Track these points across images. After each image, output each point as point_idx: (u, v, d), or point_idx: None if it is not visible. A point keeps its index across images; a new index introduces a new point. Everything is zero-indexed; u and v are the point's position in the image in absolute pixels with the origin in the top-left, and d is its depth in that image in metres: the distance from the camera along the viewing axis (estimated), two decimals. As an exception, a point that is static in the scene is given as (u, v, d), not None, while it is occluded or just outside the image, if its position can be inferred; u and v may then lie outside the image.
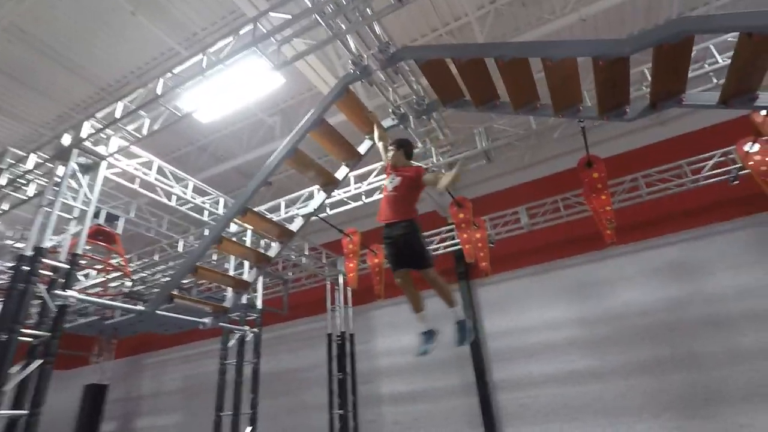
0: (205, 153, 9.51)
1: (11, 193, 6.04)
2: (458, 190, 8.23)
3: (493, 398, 8.62)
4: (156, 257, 8.45)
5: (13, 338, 4.04)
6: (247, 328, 6.49)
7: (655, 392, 7.53)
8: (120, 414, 13.19)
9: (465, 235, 6.61)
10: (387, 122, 5.50)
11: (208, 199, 6.76)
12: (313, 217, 5.74)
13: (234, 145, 9.23)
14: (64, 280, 4.58)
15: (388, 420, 9.51)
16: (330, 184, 5.60)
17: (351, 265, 7.37)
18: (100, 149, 5.27)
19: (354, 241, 7.44)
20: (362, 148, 5.49)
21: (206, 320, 5.89)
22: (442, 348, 9.39)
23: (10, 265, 7.88)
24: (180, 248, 8.28)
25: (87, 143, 5.15)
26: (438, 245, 9.39)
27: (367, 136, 5.37)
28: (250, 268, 5.64)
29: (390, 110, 5.51)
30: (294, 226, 5.68)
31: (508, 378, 8.70)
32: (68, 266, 4.60)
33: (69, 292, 4.44)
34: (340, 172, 5.52)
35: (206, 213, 6.89)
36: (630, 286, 8.31)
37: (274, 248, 5.62)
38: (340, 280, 9.62)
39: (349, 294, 9.79)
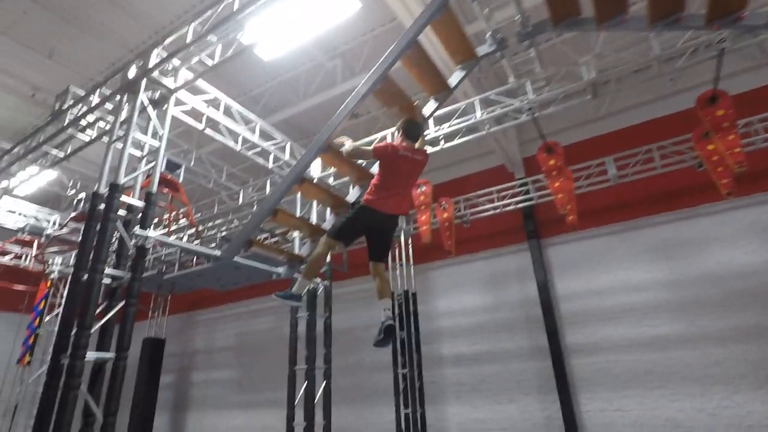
0: (258, 105, 9.04)
1: (75, 135, 5.73)
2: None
3: (567, 362, 8.11)
4: (215, 210, 8.18)
5: (96, 278, 3.74)
6: (318, 280, 6.13)
7: (757, 361, 6.81)
8: (177, 367, 13.50)
9: (557, 184, 5.92)
10: (483, 48, 4.80)
11: (274, 144, 6.29)
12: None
13: (289, 94, 8.69)
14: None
15: (451, 381, 9.18)
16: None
17: (423, 217, 6.85)
18: (168, 82, 4.82)
19: (426, 192, 6.88)
20: (453, 80, 4.87)
21: (280, 270, 5.55)
22: (507, 309, 8.94)
23: (74, 214, 7.78)
24: (241, 199, 7.96)
25: (155, 75, 4.70)
26: (506, 202, 8.71)
27: (458, 66, 4.76)
28: (331, 213, 5.19)
29: (488, 35, 4.80)
30: (375, 169, 5.18)
31: (583, 342, 8.13)
32: (144, 205, 4.25)
33: (148, 232, 4.09)
34: (429, 107, 4.94)
35: (271, 159, 6.44)
36: (728, 246, 7.46)
37: (353, 193, 5.16)
38: (402, 236, 9.14)
39: (410, 252, 9.32)
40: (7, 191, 8.09)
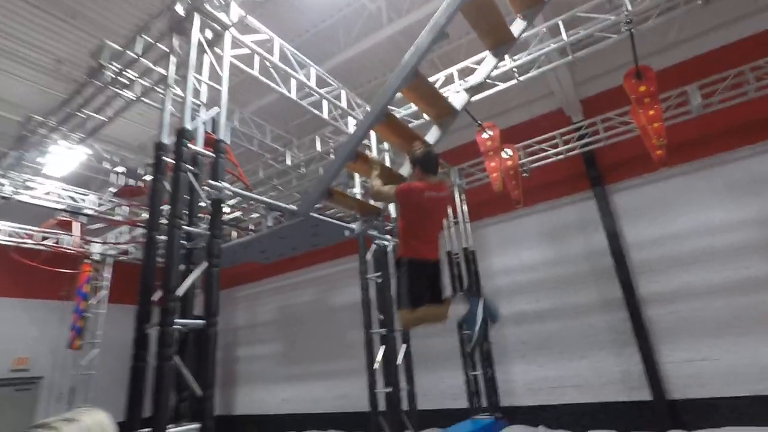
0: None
1: (118, 91, 5.21)
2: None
3: (644, 313, 7.60)
4: (261, 174, 7.68)
5: (176, 234, 3.28)
6: (388, 237, 5.65)
7: None
8: (221, 344, 13.37)
9: (651, 112, 5.26)
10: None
11: (329, 91, 5.71)
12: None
13: (327, 43, 8.00)
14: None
15: (513, 340, 8.77)
16: (504, 42, 4.40)
17: (493, 164, 6.27)
18: (222, 17, 4.24)
19: (493, 137, 6.27)
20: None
21: (353, 226, 5.07)
22: (571, 263, 8.39)
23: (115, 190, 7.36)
24: (288, 160, 7.44)
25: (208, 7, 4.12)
26: (570, 146, 8.06)
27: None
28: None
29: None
30: (457, 102, 4.59)
31: (661, 291, 7.58)
32: (214, 155, 3.75)
33: (223, 184, 3.61)
34: (517, 26, 4.31)
35: (326, 110, 5.88)
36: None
37: (434, 132, 4.59)
38: (455, 192, 8.61)
39: (465, 209, 8.80)
40: (37, 173, 7.73)
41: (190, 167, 3.70)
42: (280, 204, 4.15)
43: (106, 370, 10.53)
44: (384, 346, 5.64)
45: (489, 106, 8.36)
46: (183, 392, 3.33)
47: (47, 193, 8.31)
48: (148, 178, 6.83)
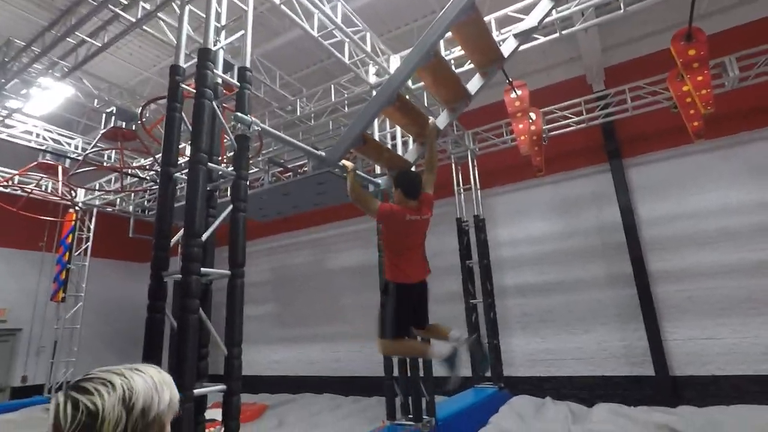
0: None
1: (117, 11, 4.56)
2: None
3: (653, 290, 7.52)
4: (266, 123, 7.13)
5: (200, 171, 2.85)
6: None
7: None
8: (216, 302, 12.98)
9: (699, 78, 4.91)
10: None
11: (354, 32, 5.16)
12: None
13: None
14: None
15: (515, 312, 8.66)
16: None
17: (521, 126, 5.88)
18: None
19: (522, 97, 5.86)
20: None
21: (379, 180, 4.69)
22: (581, 237, 8.21)
23: (104, 130, 6.75)
24: (297, 111, 6.90)
25: None
26: (593, 115, 7.73)
27: None
28: (445, 111, 4.23)
29: None
30: (505, 49, 4.16)
31: (671, 269, 7.48)
32: (238, 84, 3.26)
33: (251, 118, 3.15)
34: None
35: (347, 54, 5.35)
36: None
37: (475, 82, 4.18)
38: (469, 158, 8.24)
39: (477, 175, 8.46)
40: (16, 111, 7.02)
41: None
42: (310, 148, 3.69)
43: (88, 325, 10.11)
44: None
45: (507, 68, 7.92)
46: (202, 349, 2.98)
47: (27, 133, 7.61)
48: (141, 120, 6.25)
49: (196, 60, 3.21)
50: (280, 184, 8.25)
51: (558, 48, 8.19)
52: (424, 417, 5.04)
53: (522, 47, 4.29)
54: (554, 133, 7.91)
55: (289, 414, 7.91)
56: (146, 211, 10.73)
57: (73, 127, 10.29)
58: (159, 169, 7.26)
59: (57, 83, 6.42)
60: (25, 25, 7.40)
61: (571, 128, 7.93)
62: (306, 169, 8.88)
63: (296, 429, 6.89)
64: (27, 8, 7.57)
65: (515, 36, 4.15)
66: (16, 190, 8.42)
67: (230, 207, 3.06)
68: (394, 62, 5.88)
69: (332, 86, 6.57)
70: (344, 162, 3.88)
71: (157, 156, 7.57)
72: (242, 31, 3.45)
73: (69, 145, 8.04)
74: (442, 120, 4.23)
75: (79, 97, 7.46)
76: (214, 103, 3.04)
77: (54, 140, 7.92)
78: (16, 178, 8.41)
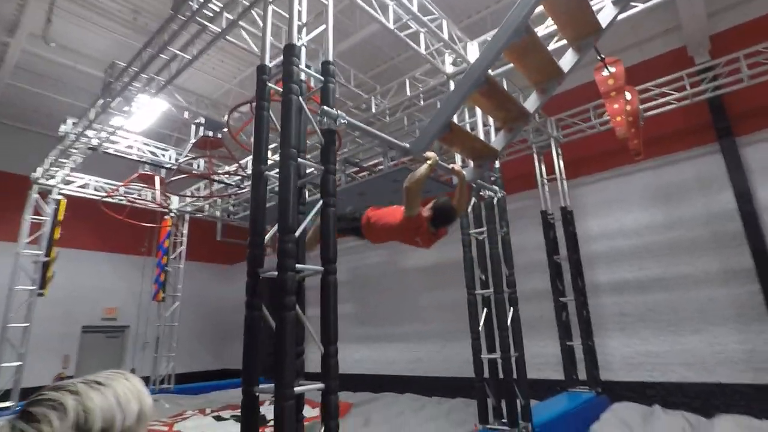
0: None
1: (203, 22, 4.78)
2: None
3: (780, 286, 6.51)
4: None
5: (292, 166, 2.83)
6: (496, 188, 4.98)
7: None
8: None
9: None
10: None
11: (431, 20, 4.98)
12: None
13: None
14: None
15: (611, 311, 7.95)
16: None
17: (616, 106, 5.34)
18: None
19: (617, 74, 5.32)
20: None
21: (465, 171, 4.45)
22: (686, 227, 7.31)
23: (195, 140, 7.16)
24: (372, 108, 6.87)
25: None
26: (696, 90, 6.88)
27: None
28: (534, 93, 3.91)
29: None
30: (603, 19, 3.75)
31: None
32: (322, 78, 3.22)
33: (338, 111, 3.09)
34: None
35: (423, 44, 5.18)
36: None
37: (568, 57, 3.81)
38: (552, 146, 7.71)
39: (562, 164, 7.90)
40: (119, 127, 7.68)
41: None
42: (394, 140, 3.57)
43: (184, 323, 10.90)
44: (486, 309, 5.08)
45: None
46: (298, 347, 2.96)
47: (129, 147, 8.33)
48: (227, 128, 6.54)
49: (280, 59, 3.22)
50: (355, 183, 8.30)
51: (652, 19, 7.41)
52: (520, 422, 4.71)
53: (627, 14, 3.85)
54: (652, 112, 7.16)
55: (374, 413, 7.89)
56: (231, 216, 11.35)
57: (166, 140, 11.17)
58: (244, 174, 7.57)
59: (153, 99, 6.93)
60: (127, 48, 8.11)
61: (672, 106, 7.12)
62: (381, 167, 8.87)
63: (383, 428, 6.83)
64: (126, 34, 8.31)
65: (614, 3, 3.73)
66: (122, 199, 9.28)
67: (320, 202, 3.01)
68: (472, 50, 5.60)
69: (407, 81, 6.43)
70: (428, 153, 3.73)
71: (241, 161, 7.95)
72: (323, 26, 3.41)
73: (164, 156, 8.67)
74: (531, 103, 3.91)
75: (172, 111, 8.01)
76: (300, 98, 3.02)
77: (151, 153, 8.59)
78: (122, 189, 9.26)
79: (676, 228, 7.55)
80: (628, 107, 6.00)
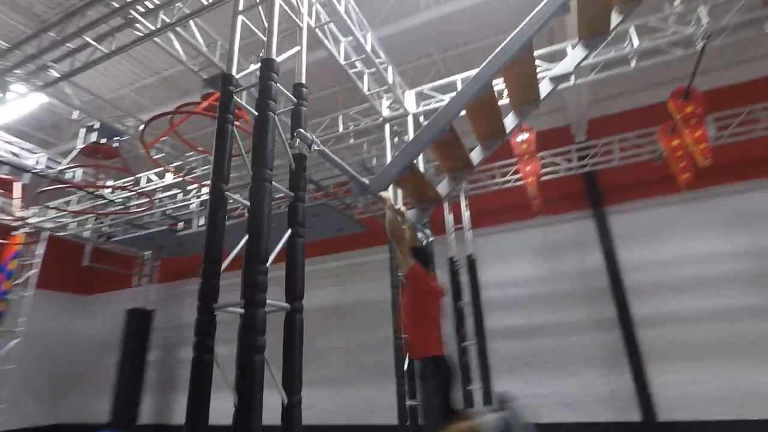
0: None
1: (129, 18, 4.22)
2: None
3: (637, 334, 7.71)
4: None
5: (266, 190, 2.55)
6: (428, 231, 5.11)
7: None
8: (163, 343, 11.81)
9: (697, 133, 5.29)
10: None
11: (382, 63, 5.11)
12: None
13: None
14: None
15: (500, 354, 8.52)
16: (600, 33, 4.16)
17: (528, 168, 6.00)
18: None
19: (530, 140, 6.03)
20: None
21: (409, 213, 4.49)
22: (563, 281, 8.38)
23: (83, 146, 6.14)
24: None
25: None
26: (580, 163, 8.10)
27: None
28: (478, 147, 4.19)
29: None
30: (542, 91, 4.24)
31: (651, 314, 7.74)
32: (295, 100, 3.04)
33: (312, 136, 2.92)
34: (613, 19, 4.13)
35: (366, 83, 5.27)
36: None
37: (510, 119, 4.21)
38: (462, 198, 8.28)
39: (468, 215, 8.49)
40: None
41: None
42: (355, 174, 3.47)
43: (27, 364, 8.80)
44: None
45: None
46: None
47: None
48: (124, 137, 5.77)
49: (247, 71, 2.96)
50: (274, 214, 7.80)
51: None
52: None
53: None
54: (544, 178, 8.18)
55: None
56: (104, 238, 9.75)
57: (27, 139, 9.34)
58: (134, 191, 6.63)
59: (32, 91, 5.79)
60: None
61: (557, 174, 8.25)
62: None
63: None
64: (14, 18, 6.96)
65: (551, 79, 4.26)
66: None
67: (288, 232, 2.74)
68: (409, 97, 5.87)
69: (340, 117, 6.43)
70: (382, 193, 3.74)
71: (135, 176, 6.97)
72: (297, 48, 3.26)
73: (32, 159, 7.22)
74: (476, 155, 4.19)
75: (50, 107, 6.78)
76: (276, 116, 2.79)
77: (13, 153, 7.09)
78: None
79: (558, 280, 8.55)
80: (528, 167, 6.80)
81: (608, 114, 8.79)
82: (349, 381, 9.68)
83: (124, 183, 6.68)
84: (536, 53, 5.48)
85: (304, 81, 3.14)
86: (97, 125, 6.29)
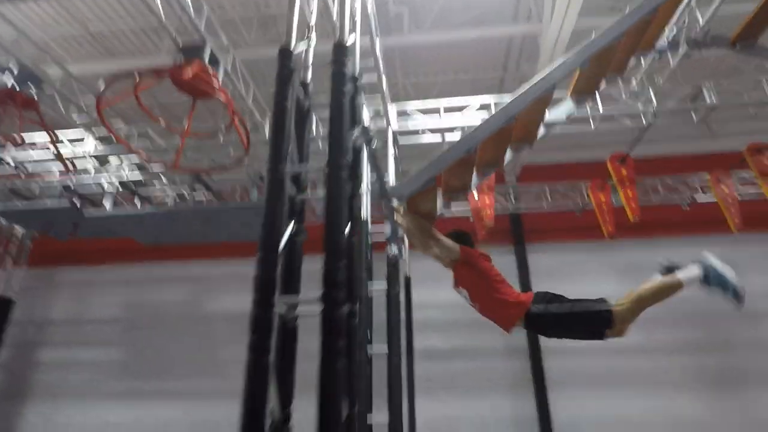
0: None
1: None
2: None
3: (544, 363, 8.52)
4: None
5: (342, 177, 2.33)
6: (400, 247, 5.07)
7: (695, 368, 8.24)
8: (18, 341, 9.67)
9: (630, 193, 6.20)
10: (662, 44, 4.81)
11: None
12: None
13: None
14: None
15: (421, 376, 8.68)
16: (589, 93, 4.67)
17: (487, 201, 6.39)
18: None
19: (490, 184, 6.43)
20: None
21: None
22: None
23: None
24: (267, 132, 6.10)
25: None
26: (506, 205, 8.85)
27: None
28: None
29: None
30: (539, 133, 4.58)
31: (556, 346, 8.63)
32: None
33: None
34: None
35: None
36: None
37: (508, 155, 4.47)
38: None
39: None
40: None
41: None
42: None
43: None
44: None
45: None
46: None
47: None
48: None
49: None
50: (206, 207, 7.13)
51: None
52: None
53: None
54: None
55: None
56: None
57: None
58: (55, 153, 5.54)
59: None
60: None
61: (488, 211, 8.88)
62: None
63: None
64: None
65: (544, 124, 4.63)
66: None
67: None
68: (392, 111, 5.87)
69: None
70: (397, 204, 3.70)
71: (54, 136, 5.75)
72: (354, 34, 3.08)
73: None
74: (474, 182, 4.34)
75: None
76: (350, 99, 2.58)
77: None
78: None
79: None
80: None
81: (540, 164, 9.78)
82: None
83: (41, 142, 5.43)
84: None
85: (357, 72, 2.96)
86: (14, 66, 5.13)
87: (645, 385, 8.22)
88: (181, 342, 9.59)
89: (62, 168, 6.36)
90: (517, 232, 9.38)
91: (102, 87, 4.41)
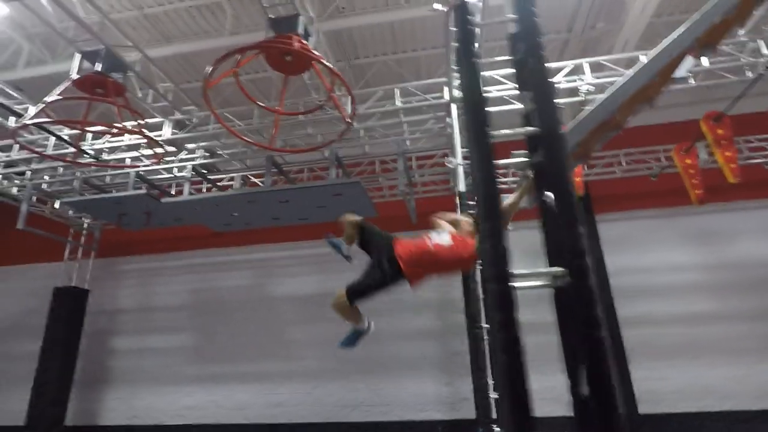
0: None
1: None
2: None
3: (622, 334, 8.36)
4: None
5: (487, 145, 2.17)
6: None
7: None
8: (94, 330, 9.92)
9: (728, 154, 5.88)
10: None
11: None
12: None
13: None
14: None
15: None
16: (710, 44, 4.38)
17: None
18: None
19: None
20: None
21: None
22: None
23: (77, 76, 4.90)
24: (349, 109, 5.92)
25: None
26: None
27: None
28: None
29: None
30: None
31: (631, 315, 8.46)
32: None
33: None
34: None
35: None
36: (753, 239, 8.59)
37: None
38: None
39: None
40: None
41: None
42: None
43: None
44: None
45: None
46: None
47: None
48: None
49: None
50: (283, 188, 7.07)
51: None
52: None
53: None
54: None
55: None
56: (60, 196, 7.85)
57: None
58: (146, 140, 5.51)
59: None
60: None
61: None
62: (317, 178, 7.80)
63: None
64: None
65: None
66: None
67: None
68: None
69: (396, 90, 5.93)
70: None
71: (142, 121, 5.69)
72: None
73: None
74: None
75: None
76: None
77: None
78: None
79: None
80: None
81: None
82: (329, 374, 9.04)
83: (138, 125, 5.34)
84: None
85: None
86: (101, 51, 5.04)
87: (722, 354, 8.02)
88: (248, 326, 9.71)
89: (140, 156, 6.31)
90: (585, 202, 9.11)
91: (209, 69, 4.28)
